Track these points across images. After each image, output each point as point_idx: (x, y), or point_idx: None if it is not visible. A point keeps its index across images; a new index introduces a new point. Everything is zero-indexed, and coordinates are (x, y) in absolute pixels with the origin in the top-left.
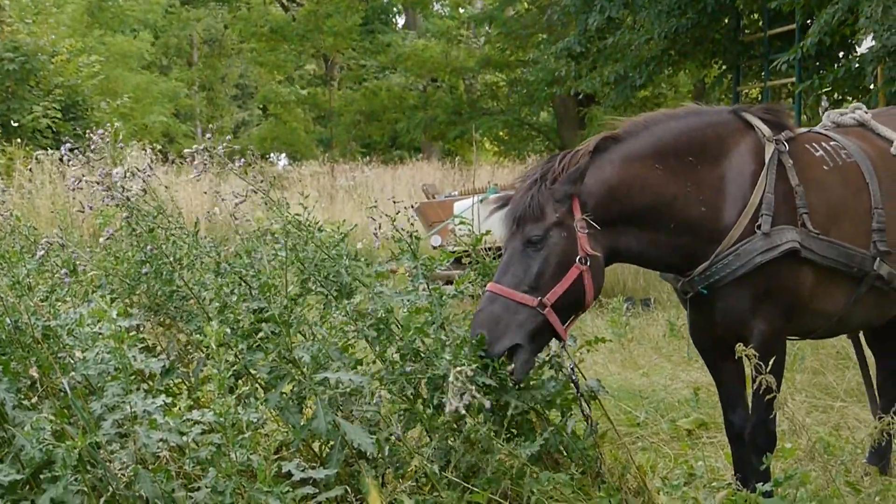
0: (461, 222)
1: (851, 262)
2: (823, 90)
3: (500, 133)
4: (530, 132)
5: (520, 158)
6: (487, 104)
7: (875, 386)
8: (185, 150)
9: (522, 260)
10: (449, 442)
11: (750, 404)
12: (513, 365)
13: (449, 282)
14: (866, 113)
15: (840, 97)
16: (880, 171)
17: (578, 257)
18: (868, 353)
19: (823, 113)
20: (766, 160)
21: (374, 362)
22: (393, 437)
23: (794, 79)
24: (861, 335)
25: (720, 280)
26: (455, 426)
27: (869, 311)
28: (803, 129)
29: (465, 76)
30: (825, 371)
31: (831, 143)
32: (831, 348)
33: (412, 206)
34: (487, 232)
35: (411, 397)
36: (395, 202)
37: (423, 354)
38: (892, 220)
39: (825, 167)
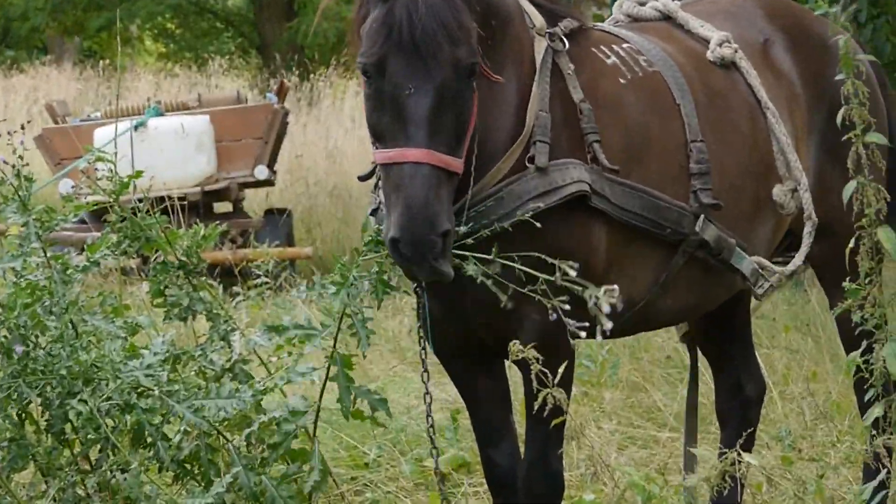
0: (99, 158)
1: (663, 218)
2: None
3: (169, 25)
4: (214, 24)
5: (199, 64)
6: None
7: (716, 410)
8: None
9: (452, 102)
10: (77, 490)
11: (522, 435)
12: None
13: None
14: (675, 1)
15: None
16: (696, 87)
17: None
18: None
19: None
20: (538, 61)
21: None
22: None
23: None
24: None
25: (469, 236)
26: (91, 467)
27: (688, 294)
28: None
29: None
30: (648, 386)
31: (624, 45)
32: (657, 352)
33: (27, 130)
34: (139, 173)
35: (20, 420)
36: None
37: (37, 355)
38: (718, 158)
39: (621, 80)
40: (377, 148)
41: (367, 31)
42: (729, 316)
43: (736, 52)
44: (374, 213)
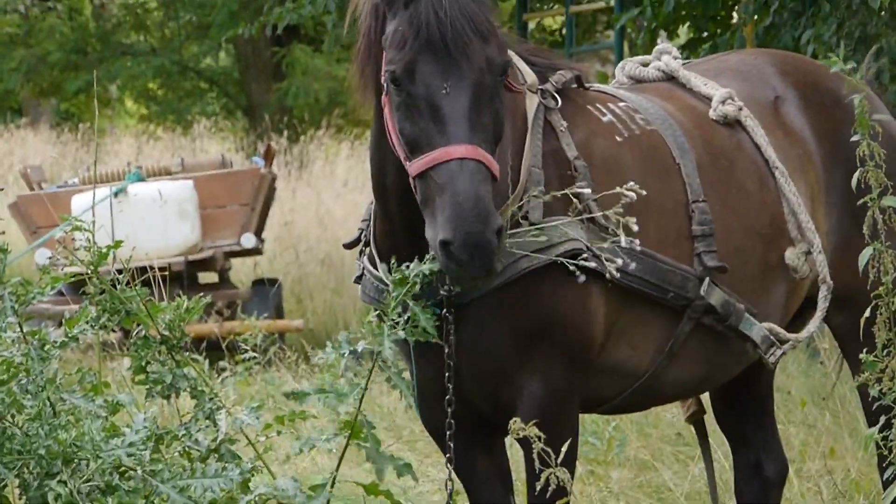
0: (77, 227)
1: (665, 282)
2: (659, 22)
3: (151, 85)
4: (198, 84)
5: (183, 126)
6: (129, 38)
7: (732, 489)
8: None
9: (488, 101)
10: None
11: None
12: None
13: (61, 321)
14: (677, 59)
15: (694, 34)
16: (697, 146)
17: None
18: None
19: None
20: (530, 118)
21: None
22: None
23: (612, 2)
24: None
25: (460, 297)
26: None
27: (696, 364)
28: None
29: None
30: (658, 464)
31: (620, 103)
32: (667, 428)
33: (1, 198)
34: (119, 243)
35: None
36: None
37: (14, 433)
38: (722, 220)
39: (618, 138)
40: (410, 161)
41: (391, 38)
42: (749, 390)
43: (741, 109)
44: (358, 280)
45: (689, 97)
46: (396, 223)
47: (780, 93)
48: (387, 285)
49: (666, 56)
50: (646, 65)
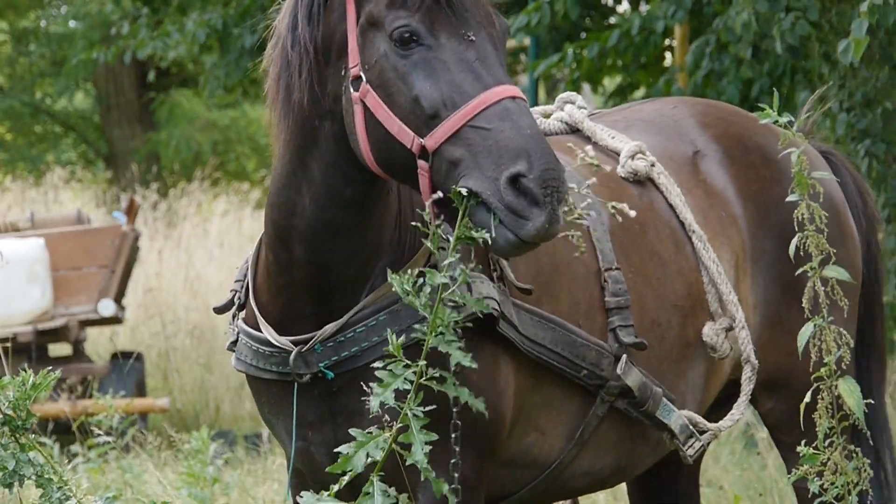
0: None
1: (579, 357)
2: (582, 72)
3: None
4: (52, 128)
5: (35, 175)
6: None
7: None
8: None
9: (502, 54)
10: None
11: None
12: None
13: None
14: (581, 109)
15: (628, 82)
16: (606, 207)
17: None
18: None
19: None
20: None
21: None
22: None
23: (526, 41)
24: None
25: (358, 359)
26: None
27: (607, 454)
28: None
29: None
30: None
31: None
32: None
33: None
34: None
35: None
36: None
37: None
38: (635, 290)
39: None
40: (426, 134)
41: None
42: (671, 484)
43: (653, 165)
44: (232, 346)
45: (595, 152)
46: (297, 274)
47: (699, 147)
48: (276, 347)
49: (569, 106)
50: (547, 116)
